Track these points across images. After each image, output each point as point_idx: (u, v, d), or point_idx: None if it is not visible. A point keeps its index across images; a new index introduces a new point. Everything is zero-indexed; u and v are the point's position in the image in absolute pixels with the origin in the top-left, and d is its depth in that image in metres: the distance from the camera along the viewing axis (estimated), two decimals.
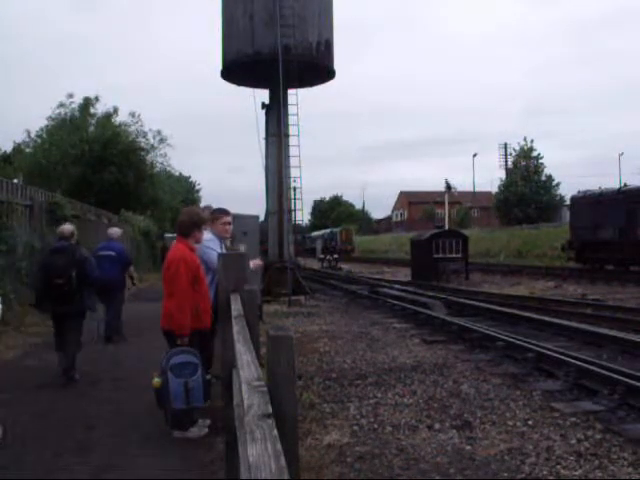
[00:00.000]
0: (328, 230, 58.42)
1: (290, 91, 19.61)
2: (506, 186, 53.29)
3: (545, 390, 6.62)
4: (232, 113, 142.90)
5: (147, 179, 30.12)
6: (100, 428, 5.34)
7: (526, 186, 50.87)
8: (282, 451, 1.27)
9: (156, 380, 4.94)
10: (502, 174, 58.18)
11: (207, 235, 5.97)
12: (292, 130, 19.63)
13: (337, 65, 20.27)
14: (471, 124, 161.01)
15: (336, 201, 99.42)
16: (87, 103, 29.32)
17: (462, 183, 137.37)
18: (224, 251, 5.87)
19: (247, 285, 3.75)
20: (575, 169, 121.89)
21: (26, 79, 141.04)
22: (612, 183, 66.02)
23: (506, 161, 59.32)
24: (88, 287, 7.14)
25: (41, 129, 29.14)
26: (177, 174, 46.30)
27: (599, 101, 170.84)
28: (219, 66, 20.38)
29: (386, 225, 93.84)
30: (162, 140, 31.15)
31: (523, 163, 53.14)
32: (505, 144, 60.36)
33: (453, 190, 40.13)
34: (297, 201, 20.31)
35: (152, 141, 30.75)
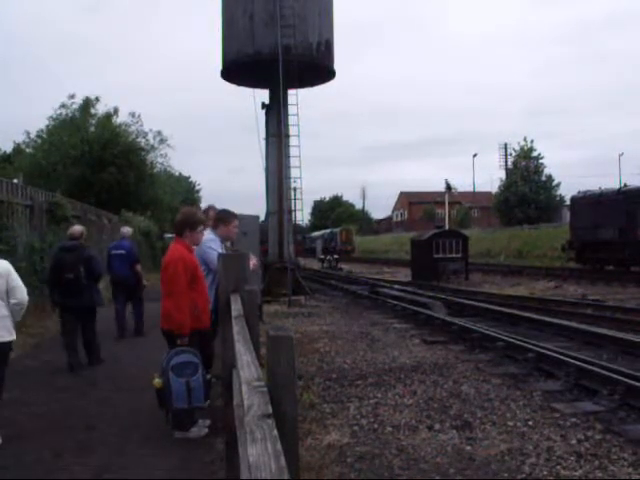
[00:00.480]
0: (328, 230, 58.44)
1: (290, 91, 19.62)
2: (506, 186, 53.21)
3: (545, 390, 6.62)
4: (232, 113, 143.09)
5: (147, 179, 30.15)
6: (100, 428, 5.34)
7: (526, 186, 50.78)
8: (282, 451, 1.27)
9: (157, 380, 4.94)
10: (502, 174, 58.16)
11: (208, 235, 5.92)
12: (292, 130, 19.68)
13: (337, 65, 20.32)
14: (471, 124, 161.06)
15: (336, 201, 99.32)
16: (87, 103, 29.36)
17: (462, 183, 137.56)
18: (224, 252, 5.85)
19: (247, 285, 3.75)
20: (575, 169, 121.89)
21: (26, 79, 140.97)
22: (612, 183, 65.92)
23: (506, 161, 59.26)
24: (95, 282, 7.99)
25: (41, 129, 29.21)
26: (177, 174, 46.34)
27: (599, 101, 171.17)
28: (219, 66, 20.40)
29: (386, 225, 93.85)
30: (162, 140, 31.25)
31: (523, 163, 53.01)
32: (505, 144, 60.35)
33: (453, 190, 40.20)
34: (297, 201, 20.31)
35: (152, 141, 30.85)
